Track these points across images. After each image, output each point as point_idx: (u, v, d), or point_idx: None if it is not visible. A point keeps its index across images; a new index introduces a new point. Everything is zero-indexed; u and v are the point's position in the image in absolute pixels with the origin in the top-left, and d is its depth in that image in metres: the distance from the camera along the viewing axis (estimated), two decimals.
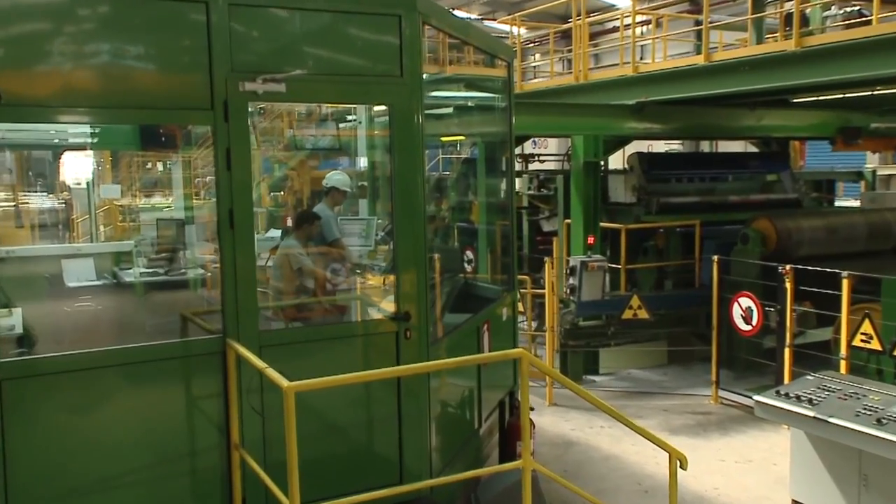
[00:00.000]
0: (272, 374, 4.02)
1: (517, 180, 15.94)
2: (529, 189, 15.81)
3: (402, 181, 5.20)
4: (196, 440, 4.65)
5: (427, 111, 5.30)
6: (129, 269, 9.06)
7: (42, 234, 12.70)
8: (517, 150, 19.39)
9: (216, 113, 4.62)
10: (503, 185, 8.19)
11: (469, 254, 12.52)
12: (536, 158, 19.02)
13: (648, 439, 5.03)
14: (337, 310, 7.35)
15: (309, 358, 4.94)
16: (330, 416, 5.01)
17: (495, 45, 7.48)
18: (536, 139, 28.08)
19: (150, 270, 8.97)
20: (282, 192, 14.56)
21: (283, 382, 3.87)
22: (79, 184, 11.96)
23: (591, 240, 11.46)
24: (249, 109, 4.80)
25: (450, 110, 10.10)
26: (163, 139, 8.98)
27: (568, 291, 10.95)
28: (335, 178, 8.40)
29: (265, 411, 4.74)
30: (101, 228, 15.07)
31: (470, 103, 9.69)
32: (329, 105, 9.35)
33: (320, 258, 7.45)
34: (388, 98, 5.16)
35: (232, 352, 4.64)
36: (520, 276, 13.06)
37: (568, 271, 10.96)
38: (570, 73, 13.41)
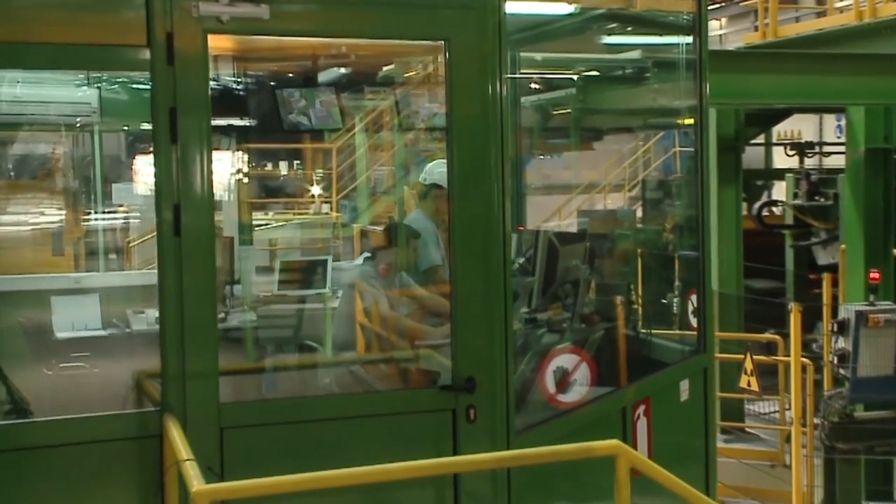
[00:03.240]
0: (188, 469, 3.83)
1: (778, 184, 15.65)
2: (796, 197, 15.16)
3: (464, 173, 5.06)
4: None
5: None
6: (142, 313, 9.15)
7: (91, 265, 13.15)
8: (785, 138, 18.90)
9: (155, 52, 4.58)
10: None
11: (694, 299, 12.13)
12: (819, 149, 18.33)
13: None
14: (422, 375, 7.18)
15: (303, 448, 4.79)
16: None
17: None
18: (842, 123, 27.31)
19: None
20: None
21: (193, 484, 3.70)
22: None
23: (874, 276, 10.79)
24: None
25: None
26: None
27: (835, 361, 10.27)
28: (438, 171, 8.15)
29: None
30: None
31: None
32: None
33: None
34: (441, 29, 5.05)
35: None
36: (770, 336, 12.66)
37: (835, 328, 10.28)
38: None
